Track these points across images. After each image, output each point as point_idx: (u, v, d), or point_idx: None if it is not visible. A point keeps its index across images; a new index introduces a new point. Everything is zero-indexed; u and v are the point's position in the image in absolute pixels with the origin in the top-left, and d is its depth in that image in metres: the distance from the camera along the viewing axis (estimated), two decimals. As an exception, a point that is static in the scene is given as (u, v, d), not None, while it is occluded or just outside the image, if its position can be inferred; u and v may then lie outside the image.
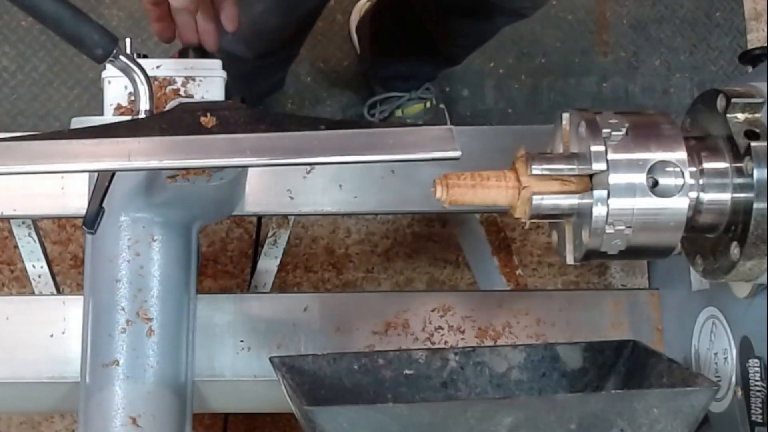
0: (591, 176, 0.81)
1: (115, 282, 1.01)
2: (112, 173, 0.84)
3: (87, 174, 1.07)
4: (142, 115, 0.87)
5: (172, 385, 1.02)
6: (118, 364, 0.99)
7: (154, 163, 0.76)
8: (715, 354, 0.98)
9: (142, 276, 1.01)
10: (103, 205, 0.84)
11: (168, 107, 0.83)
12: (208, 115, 0.78)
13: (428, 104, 1.85)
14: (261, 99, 1.89)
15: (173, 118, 0.79)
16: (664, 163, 0.80)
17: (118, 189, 0.95)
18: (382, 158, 0.77)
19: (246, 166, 0.95)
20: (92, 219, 0.84)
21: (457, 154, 0.77)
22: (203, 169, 0.91)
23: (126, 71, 0.88)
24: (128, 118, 0.94)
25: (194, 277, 1.08)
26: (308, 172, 1.15)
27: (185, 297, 1.05)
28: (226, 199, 1.07)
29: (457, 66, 1.77)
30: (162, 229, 1.02)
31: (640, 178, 0.79)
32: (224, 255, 1.82)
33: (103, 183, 0.85)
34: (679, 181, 0.80)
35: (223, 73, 1.09)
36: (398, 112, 1.84)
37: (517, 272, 1.30)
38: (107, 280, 1.01)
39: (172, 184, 0.93)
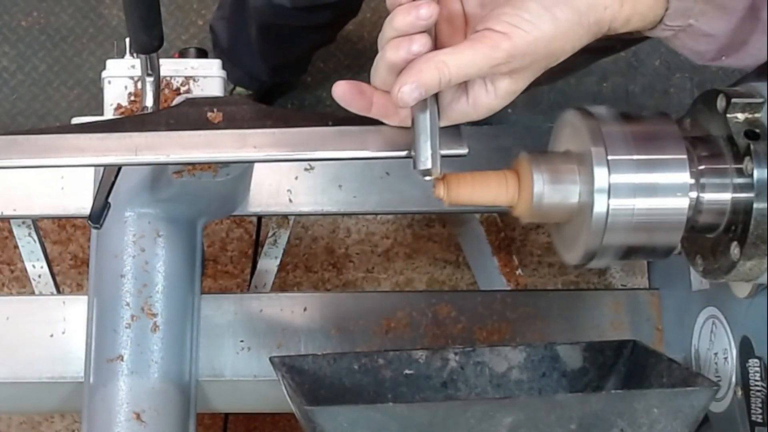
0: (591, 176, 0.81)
1: (120, 277, 1.01)
2: (119, 168, 0.85)
3: (92, 170, 1.07)
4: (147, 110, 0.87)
5: (176, 381, 1.02)
6: (122, 360, 1.00)
7: (161, 158, 0.76)
8: (715, 354, 0.98)
9: (147, 271, 1.02)
10: (109, 200, 0.85)
11: (175, 102, 0.84)
12: (215, 110, 0.79)
13: None
14: (285, 71, 1.86)
15: (180, 113, 0.79)
16: (664, 163, 0.80)
17: (123, 184, 0.95)
18: (389, 155, 0.77)
19: (252, 161, 0.96)
20: (98, 214, 0.84)
21: (464, 150, 0.77)
22: (209, 165, 0.92)
23: (150, 67, 0.88)
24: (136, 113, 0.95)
25: (199, 274, 1.08)
26: (308, 170, 1.15)
27: (190, 293, 1.06)
28: (231, 195, 1.07)
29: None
30: (167, 224, 1.03)
31: (641, 178, 0.79)
32: (224, 255, 1.82)
33: (109, 178, 0.85)
34: (679, 181, 0.80)
35: (223, 73, 1.09)
36: None
37: (517, 272, 1.30)
38: (112, 275, 1.02)
39: (177, 179, 0.93)
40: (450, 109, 0.74)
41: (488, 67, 0.70)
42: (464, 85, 0.73)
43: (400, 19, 0.70)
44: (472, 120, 0.75)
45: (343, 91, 0.74)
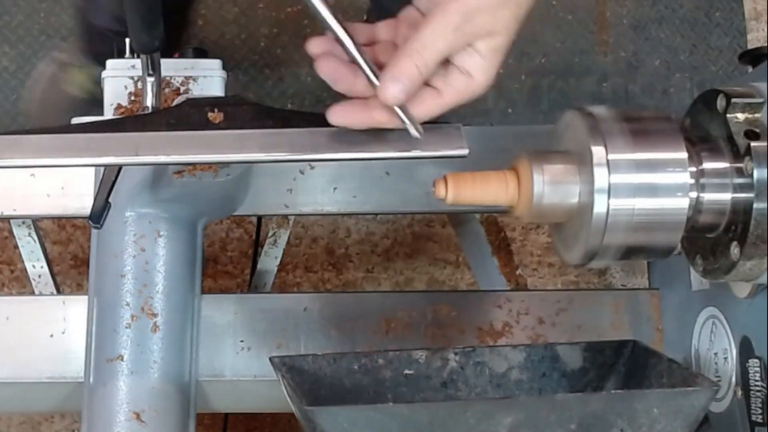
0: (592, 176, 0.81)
1: (120, 277, 1.01)
2: (119, 168, 0.85)
3: (92, 170, 1.07)
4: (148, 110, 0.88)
5: (176, 381, 1.02)
6: (122, 359, 1.00)
7: (162, 158, 0.76)
8: (715, 354, 0.98)
9: (148, 271, 1.02)
10: (110, 200, 0.85)
11: (176, 102, 0.84)
12: (216, 110, 0.79)
13: None
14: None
15: (180, 114, 0.79)
16: (664, 163, 0.80)
17: (124, 184, 0.95)
18: (390, 155, 0.77)
19: (253, 162, 0.96)
20: (98, 214, 0.85)
21: (464, 152, 0.77)
22: (210, 165, 0.92)
23: (151, 67, 0.89)
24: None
25: (199, 274, 1.08)
26: (303, 173, 1.15)
27: (190, 294, 1.06)
28: (232, 196, 1.07)
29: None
30: (168, 224, 1.03)
31: (640, 178, 0.79)
32: (224, 255, 1.82)
33: (109, 177, 0.85)
34: (679, 181, 0.80)
35: (223, 73, 1.09)
36: None
37: (517, 272, 1.30)
38: (112, 275, 1.02)
39: (178, 179, 0.94)
40: (449, 86, 0.73)
41: (451, 33, 0.70)
42: (446, 62, 0.73)
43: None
44: (475, 92, 0.75)
45: (331, 67, 0.77)
